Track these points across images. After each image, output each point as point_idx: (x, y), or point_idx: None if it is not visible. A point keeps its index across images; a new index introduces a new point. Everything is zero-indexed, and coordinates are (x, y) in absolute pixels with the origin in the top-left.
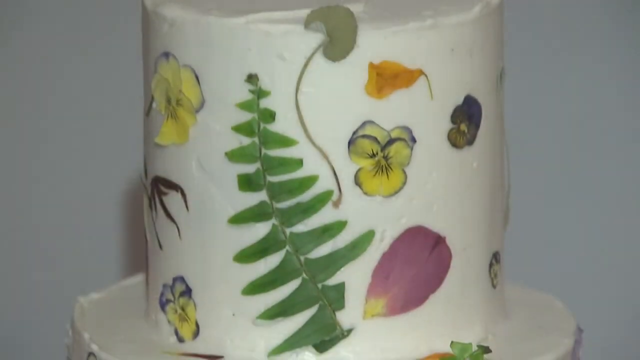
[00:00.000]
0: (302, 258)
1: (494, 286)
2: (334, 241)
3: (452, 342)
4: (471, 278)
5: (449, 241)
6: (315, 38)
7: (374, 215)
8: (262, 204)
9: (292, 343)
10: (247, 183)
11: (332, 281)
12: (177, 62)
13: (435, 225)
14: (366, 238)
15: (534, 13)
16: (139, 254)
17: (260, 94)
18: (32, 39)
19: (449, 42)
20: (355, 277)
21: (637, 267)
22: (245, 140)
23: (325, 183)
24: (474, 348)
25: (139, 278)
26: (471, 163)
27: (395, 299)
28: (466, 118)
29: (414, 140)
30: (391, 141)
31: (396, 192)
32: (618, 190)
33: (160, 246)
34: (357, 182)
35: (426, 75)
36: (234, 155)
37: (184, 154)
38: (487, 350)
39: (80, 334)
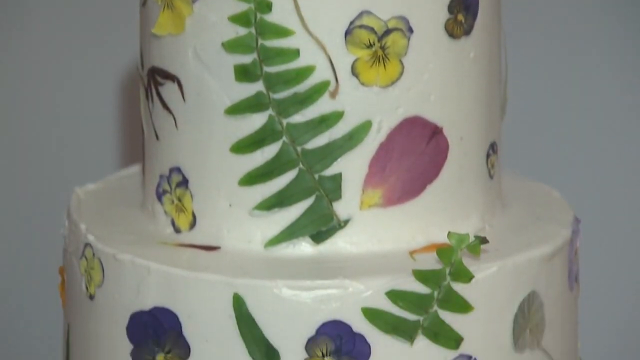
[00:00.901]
0: (298, 149)
1: (491, 177)
2: (330, 132)
3: (449, 232)
4: (468, 168)
5: (446, 131)
6: None
7: (370, 106)
8: (258, 94)
9: (289, 234)
10: (243, 73)
11: (329, 172)
12: None
13: (433, 115)
14: (363, 128)
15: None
16: (135, 145)
17: None
18: None
19: None
20: (352, 167)
21: (635, 155)
22: (242, 31)
23: (322, 73)
24: (471, 238)
25: (135, 169)
26: (468, 53)
27: (392, 189)
28: (463, 8)
29: (411, 30)
30: (388, 31)
31: (393, 83)
32: (615, 79)
33: (157, 137)
34: (354, 72)
35: None
36: (231, 46)
37: (180, 45)
38: (484, 240)
39: (76, 225)
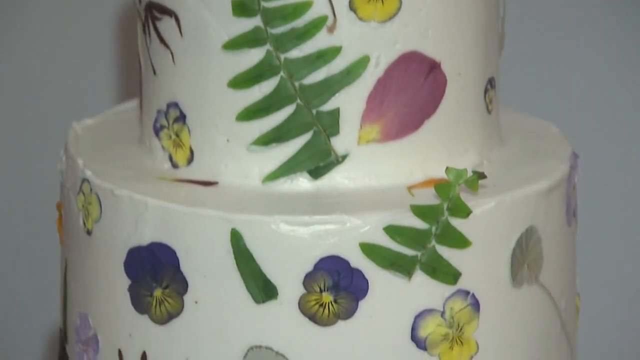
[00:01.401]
0: (296, 84)
1: (489, 112)
2: (328, 67)
3: (447, 167)
4: (466, 104)
5: (444, 66)
6: None
7: (368, 41)
8: (256, 29)
9: (286, 169)
10: (241, 8)
11: (327, 107)
12: None
13: (430, 50)
14: (361, 64)
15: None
16: (133, 80)
17: None
18: None
19: None
20: (350, 102)
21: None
22: None
23: (319, 8)
24: (469, 174)
25: (133, 104)
26: None
27: (390, 124)
28: None
29: None
30: None
31: (391, 18)
32: (612, 14)
33: (154, 72)
34: (352, 7)
35: None
36: None
37: None
38: (482, 176)
39: (74, 160)
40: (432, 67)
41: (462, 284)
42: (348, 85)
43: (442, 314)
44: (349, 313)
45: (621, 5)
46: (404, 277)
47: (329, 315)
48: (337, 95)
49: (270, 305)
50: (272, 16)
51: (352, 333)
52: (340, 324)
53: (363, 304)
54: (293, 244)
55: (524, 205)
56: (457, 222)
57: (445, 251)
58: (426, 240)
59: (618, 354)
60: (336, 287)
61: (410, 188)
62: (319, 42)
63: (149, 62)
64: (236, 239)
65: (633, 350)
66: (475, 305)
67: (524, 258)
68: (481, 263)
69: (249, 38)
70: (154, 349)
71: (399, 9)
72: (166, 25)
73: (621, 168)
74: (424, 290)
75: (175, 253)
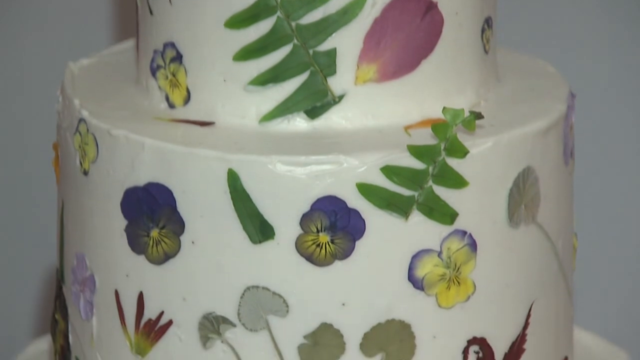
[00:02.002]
0: (293, 24)
1: (486, 52)
2: (325, 7)
3: (444, 107)
4: (463, 43)
5: (440, 6)
6: None
7: None
8: None
9: (283, 109)
10: None
11: (324, 47)
12: None
13: None
14: (357, 3)
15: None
16: (129, 20)
17: None
18: None
19: None
20: (347, 42)
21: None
22: None
23: None
24: (466, 114)
25: (129, 44)
26: None
27: (386, 64)
28: None
29: None
30: None
31: None
32: None
33: (151, 12)
34: None
35: None
36: None
37: None
38: (479, 115)
39: (70, 100)
40: (429, 7)
41: (459, 224)
42: (345, 25)
43: (439, 254)
44: (345, 253)
45: None
46: (401, 217)
47: (325, 256)
48: (333, 35)
49: (267, 245)
50: None
51: (349, 273)
52: (337, 264)
53: (360, 244)
54: (290, 184)
55: (521, 145)
56: (454, 162)
57: (442, 191)
58: (423, 180)
59: (615, 293)
60: (333, 227)
61: (407, 128)
62: None
63: (145, 2)
64: (233, 179)
65: (630, 290)
66: (472, 245)
67: (521, 198)
68: (478, 203)
69: None
70: (151, 289)
71: None
72: None
73: (618, 108)
74: (421, 230)
75: (172, 193)
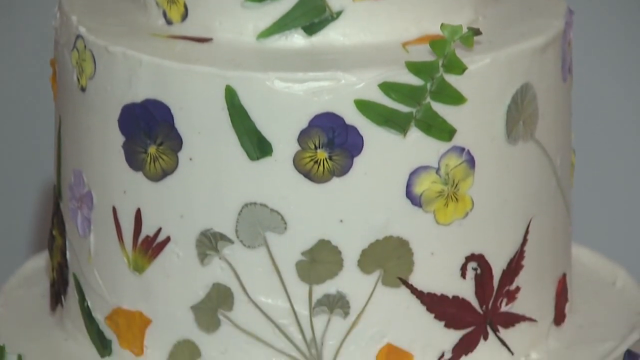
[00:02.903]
0: None
1: None
2: None
3: (442, 24)
4: None
5: None
6: None
7: None
8: None
9: (281, 25)
10: None
11: None
12: None
13: None
14: None
15: None
16: None
17: None
18: None
19: None
20: None
21: None
22: None
23: None
24: (464, 30)
25: None
26: None
27: None
28: None
29: None
30: None
31: None
32: None
33: None
34: None
35: None
36: None
37: None
38: (477, 32)
39: (67, 17)
40: None
41: (457, 140)
42: None
43: (437, 170)
44: (343, 170)
45: None
46: (398, 134)
47: (323, 172)
48: None
49: (265, 162)
50: None
51: (347, 190)
52: (335, 180)
53: (358, 161)
54: (287, 101)
55: (519, 62)
56: (452, 79)
57: (440, 108)
58: (421, 96)
59: (613, 209)
60: (331, 144)
61: (405, 44)
62: None
63: None
64: (231, 95)
65: (629, 207)
66: (471, 161)
67: (519, 114)
68: (476, 120)
69: None
70: (148, 206)
71: None
72: None
73: (619, 26)
74: (419, 147)
75: (169, 110)
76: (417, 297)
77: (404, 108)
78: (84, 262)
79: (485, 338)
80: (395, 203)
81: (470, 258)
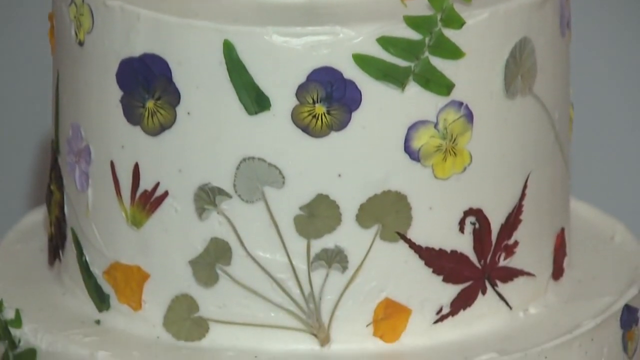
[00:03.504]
0: None
1: None
2: None
3: None
4: None
5: None
6: None
7: None
8: None
9: None
10: None
11: None
12: None
13: None
14: None
15: None
16: None
17: None
18: None
19: None
20: None
21: None
22: None
23: None
24: None
25: None
26: None
27: None
28: None
29: None
30: None
31: None
32: None
33: None
34: None
35: None
36: None
37: None
38: None
39: None
40: None
41: (456, 95)
42: None
43: (436, 125)
44: (341, 124)
45: None
46: (397, 88)
47: (321, 127)
48: None
49: (263, 116)
50: None
51: (345, 144)
52: (333, 135)
53: (356, 115)
54: (285, 55)
55: (518, 16)
56: (450, 33)
57: (438, 62)
58: (419, 51)
59: (612, 163)
60: (329, 98)
61: None
62: None
63: None
64: (229, 50)
65: (627, 161)
66: (469, 116)
67: (518, 69)
68: (475, 74)
69: None
70: (146, 161)
71: None
72: None
73: None
74: (417, 101)
75: (167, 64)
76: (415, 251)
77: (402, 62)
78: (81, 216)
79: (484, 292)
80: (394, 157)
81: (468, 212)
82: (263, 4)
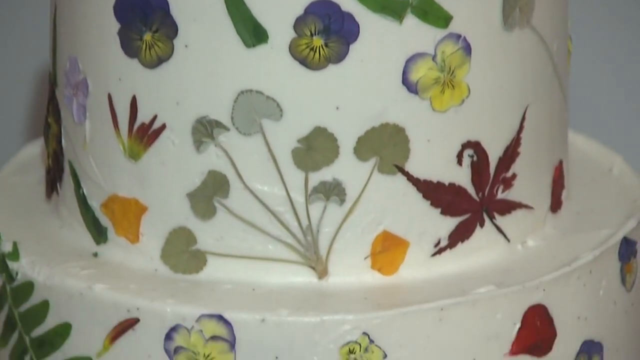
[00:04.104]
0: None
1: None
2: None
3: None
4: None
5: None
6: None
7: None
8: None
9: None
10: None
11: None
12: None
13: None
14: None
15: None
16: None
17: None
18: None
19: None
20: None
21: None
22: None
23: None
24: None
25: None
26: None
27: None
28: None
29: None
30: None
31: None
32: None
33: None
34: None
35: None
36: None
37: None
38: None
39: None
40: None
41: (454, 27)
42: None
43: (434, 57)
44: (339, 57)
45: None
46: (395, 21)
47: (319, 59)
48: None
49: (261, 49)
50: None
51: (343, 77)
52: (331, 67)
53: (354, 48)
54: None
55: None
56: None
57: None
58: None
59: (608, 95)
60: (327, 30)
61: None
62: None
63: None
64: None
65: (624, 94)
66: (467, 48)
67: (516, 1)
68: (473, 6)
69: None
70: (144, 93)
71: None
72: None
73: None
74: (415, 33)
75: None
76: (413, 184)
77: None
78: (79, 149)
79: (482, 225)
80: (391, 90)
81: (466, 145)
82: None
